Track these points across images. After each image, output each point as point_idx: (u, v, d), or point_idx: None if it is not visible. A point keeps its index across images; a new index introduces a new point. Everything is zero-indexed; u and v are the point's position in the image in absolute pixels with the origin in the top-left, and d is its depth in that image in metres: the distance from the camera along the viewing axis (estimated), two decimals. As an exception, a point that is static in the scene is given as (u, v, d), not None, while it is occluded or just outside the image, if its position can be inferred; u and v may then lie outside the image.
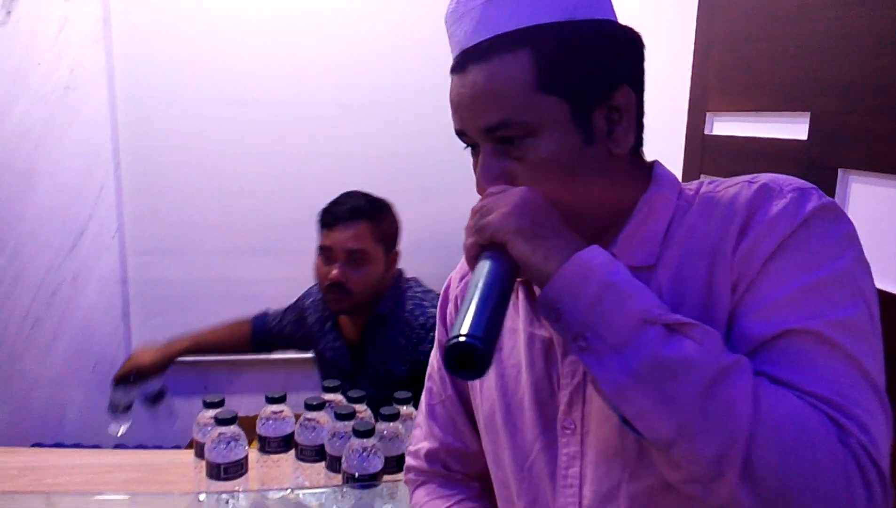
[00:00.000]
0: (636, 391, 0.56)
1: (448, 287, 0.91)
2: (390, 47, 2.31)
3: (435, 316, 1.49)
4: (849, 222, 0.64)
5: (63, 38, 2.28)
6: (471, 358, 0.54)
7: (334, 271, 1.58)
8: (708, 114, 1.43)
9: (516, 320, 0.78)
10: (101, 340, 2.46)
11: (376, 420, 1.21)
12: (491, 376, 0.79)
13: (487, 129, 0.67)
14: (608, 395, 0.58)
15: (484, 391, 0.81)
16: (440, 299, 0.91)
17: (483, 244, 0.63)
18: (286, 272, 2.36)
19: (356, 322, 1.70)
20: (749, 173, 0.69)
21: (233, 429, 1.16)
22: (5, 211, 2.36)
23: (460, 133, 0.71)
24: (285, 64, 2.32)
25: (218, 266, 2.40)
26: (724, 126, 1.40)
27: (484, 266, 0.61)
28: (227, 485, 1.14)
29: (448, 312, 0.89)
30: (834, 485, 0.54)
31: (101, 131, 2.34)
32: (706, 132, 1.43)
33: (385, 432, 1.18)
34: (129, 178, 2.35)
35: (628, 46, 0.70)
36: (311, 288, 1.86)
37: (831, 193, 1.06)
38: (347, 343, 1.73)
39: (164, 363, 1.75)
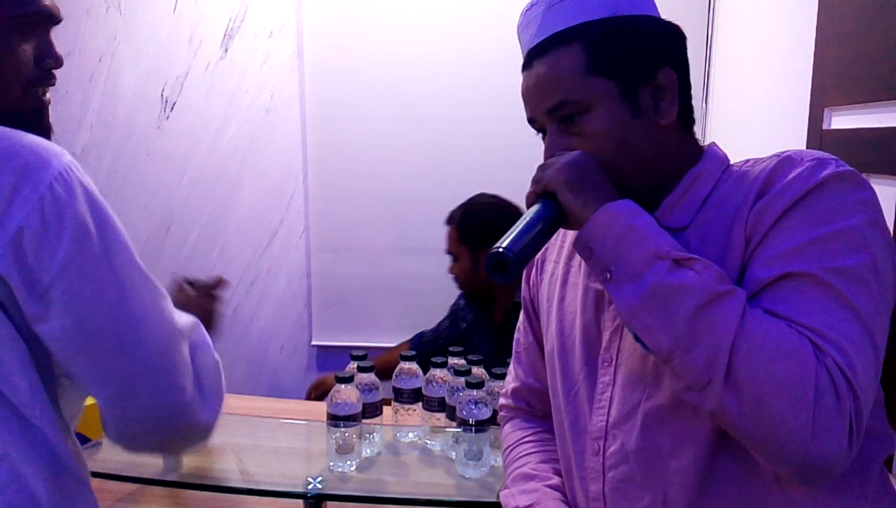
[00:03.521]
0: (643, 311, 0.69)
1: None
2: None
3: None
4: (867, 190, 0.71)
5: (266, 68, 2.72)
6: (504, 266, 0.72)
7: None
8: (826, 109, 1.46)
9: (578, 276, 0.93)
10: (288, 324, 2.87)
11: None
12: (554, 320, 0.95)
13: (549, 110, 0.82)
14: (622, 314, 0.72)
15: (548, 333, 0.97)
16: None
17: (539, 192, 0.79)
18: (442, 270, 2.62)
19: (500, 314, 1.95)
20: (865, 165, 0.74)
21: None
22: (218, 213, 2.84)
23: (531, 120, 0.88)
24: (445, 87, 2.60)
25: (386, 263, 2.72)
26: (841, 120, 1.43)
27: (536, 207, 0.78)
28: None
29: (530, 274, 1.06)
30: (804, 394, 0.62)
31: (293, 146, 2.75)
32: (824, 127, 1.47)
33: (495, 388, 1.36)
34: (314, 186, 2.74)
35: (667, 35, 0.82)
36: (457, 297, 2.15)
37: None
38: (494, 333, 1.95)
39: None
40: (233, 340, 2.90)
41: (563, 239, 1.00)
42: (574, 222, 0.77)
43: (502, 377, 1.37)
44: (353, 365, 1.44)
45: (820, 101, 1.49)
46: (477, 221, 1.95)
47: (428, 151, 2.65)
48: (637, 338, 0.72)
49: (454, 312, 2.13)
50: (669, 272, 0.68)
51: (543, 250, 1.04)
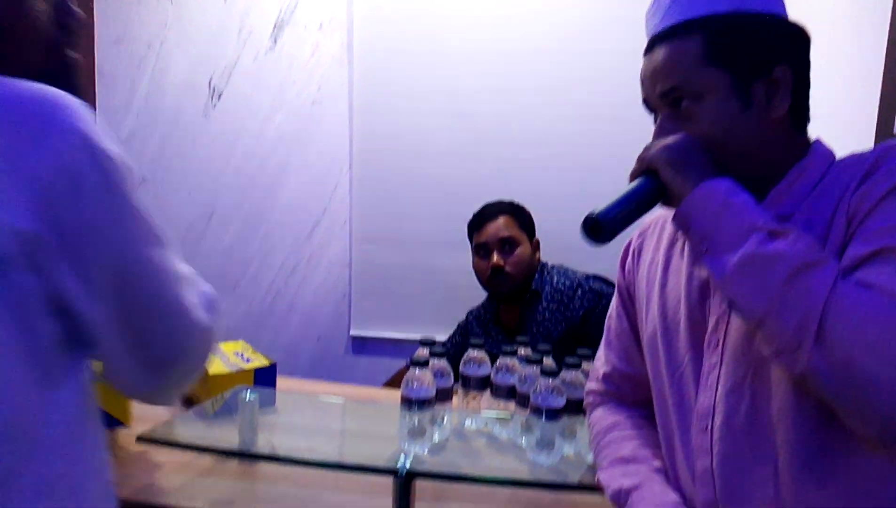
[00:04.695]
0: (739, 278, 0.74)
1: (629, 242, 1.09)
2: (587, 69, 2.53)
3: (578, 278, 1.87)
4: None
5: (314, 60, 2.75)
6: (598, 231, 0.80)
7: (494, 259, 1.95)
8: (896, 114, 1.48)
9: (680, 263, 0.96)
10: (326, 314, 2.89)
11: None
12: (655, 305, 0.97)
13: (662, 93, 0.86)
14: (717, 282, 0.77)
15: (649, 317, 0.99)
16: (622, 251, 1.10)
17: (643, 169, 0.85)
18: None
19: (512, 309, 2.02)
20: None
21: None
22: (261, 202, 2.87)
23: (645, 101, 0.92)
24: (493, 82, 2.62)
25: (426, 255, 2.74)
26: (913, 126, 1.45)
27: (637, 181, 0.84)
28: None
29: (626, 262, 1.08)
30: (893, 355, 0.66)
31: (339, 138, 2.78)
32: (895, 132, 1.48)
33: (567, 378, 1.38)
34: (358, 177, 2.77)
35: (789, 35, 0.86)
36: (468, 311, 2.21)
37: None
38: (506, 332, 2.02)
39: None
40: (271, 327, 2.93)
41: (662, 228, 1.02)
42: (674, 197, 0.82)
43: (575, 366, 1.40)
44: (425, 350, 1.46)
45: (891, 106, 1.51)
46: (526, 211, 2.06)
47: (474, 145, 2.67)
48: (731, 304, 0.77)
49: (462, 328, 2.21)
50: (764, 243, 0.73)
51: (640, 239, 1.07)
